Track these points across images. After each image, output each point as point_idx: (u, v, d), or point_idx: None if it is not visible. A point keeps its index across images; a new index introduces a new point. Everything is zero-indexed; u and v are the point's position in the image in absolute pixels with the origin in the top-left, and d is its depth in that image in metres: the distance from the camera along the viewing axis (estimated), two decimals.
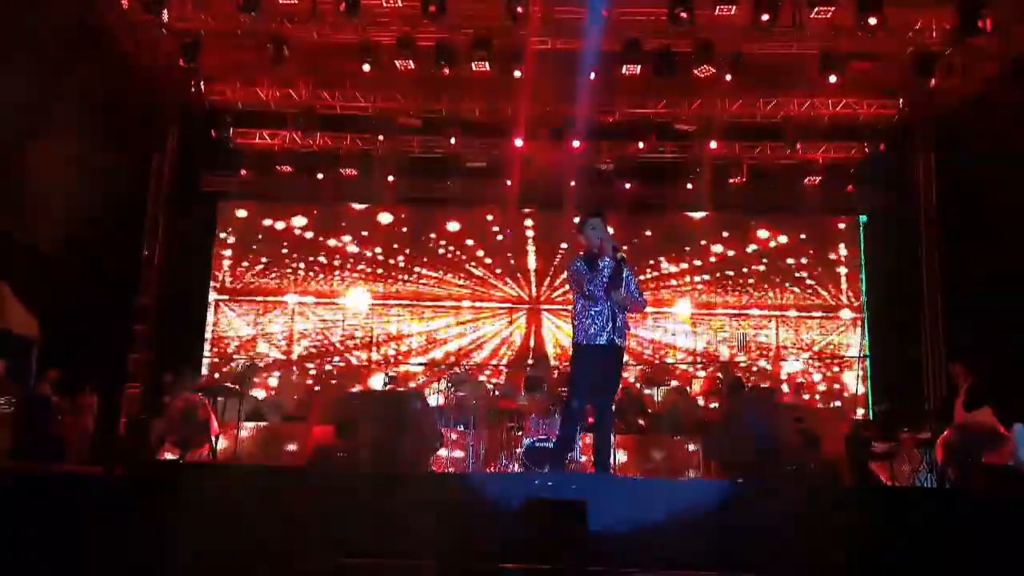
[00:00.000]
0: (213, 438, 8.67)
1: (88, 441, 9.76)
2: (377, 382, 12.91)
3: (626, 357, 6.27)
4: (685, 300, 13.62)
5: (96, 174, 9.37)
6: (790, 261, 13.74)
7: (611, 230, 5.72)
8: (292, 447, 9.97)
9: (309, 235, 13.90)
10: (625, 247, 5.65)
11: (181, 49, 10.65)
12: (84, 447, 9.56)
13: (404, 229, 13.95)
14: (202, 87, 12.26)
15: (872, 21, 9.48)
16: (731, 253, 13.80)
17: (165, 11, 9.95)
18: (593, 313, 5.54)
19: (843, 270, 13.70)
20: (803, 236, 13.80)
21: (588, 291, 5.50)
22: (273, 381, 13.35)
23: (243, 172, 13.13)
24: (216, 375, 12.85)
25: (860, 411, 12.48)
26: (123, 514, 4.87)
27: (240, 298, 13.72)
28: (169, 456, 8.50)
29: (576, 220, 5.89)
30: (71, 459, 8.88)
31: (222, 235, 13.80)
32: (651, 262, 13.67)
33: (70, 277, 10.13)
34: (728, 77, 10.63)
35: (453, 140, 12.60)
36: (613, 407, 6.26)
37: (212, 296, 13.60)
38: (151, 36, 10.80)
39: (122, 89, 10.27)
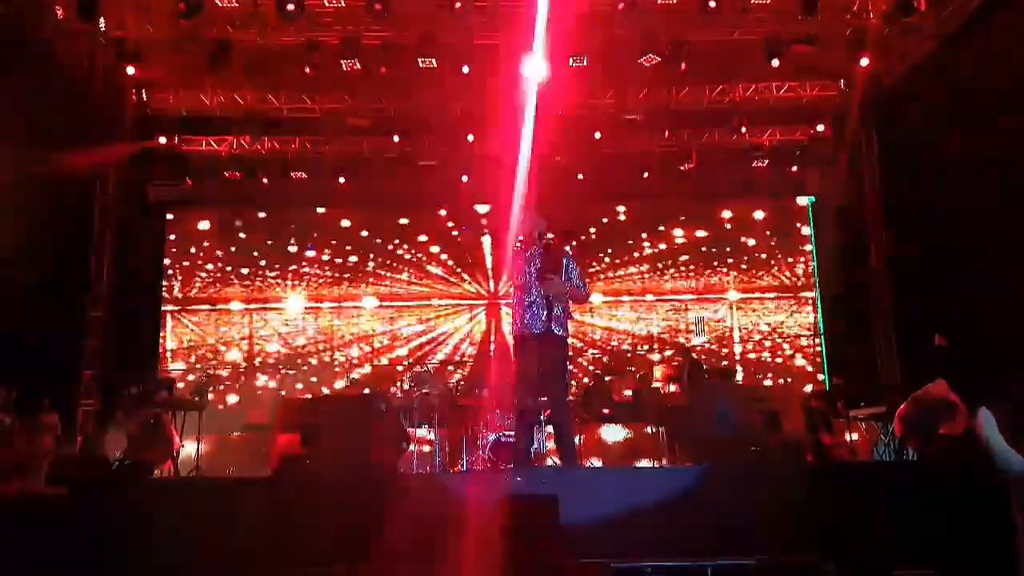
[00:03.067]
0: (175, 453, 8.52)
1: (48, 461, 9.48)
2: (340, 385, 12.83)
3: (575, 345, 6.27)
4: (638, 287, 13.74)
5: (40, 189, 9.13)
6: (741, 244, 13.92)
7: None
8: (255, 457, 9.87)
9: (261, 240, 13.74)
10: (574, 240, 5.70)
11: (120, 58, 10.43)
12: (43, 467, 9.28)
13: (359, 230, 13.85)
14: (144, 95, 12.02)
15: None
16: (682, 239, 13.93)
17: (102, 20, 9.72)
18: (527, 303, 5.57)
19: (794, 251, 13.93)
20: (753, 219, 13.99)
21: (520, 281, 5.55)
22: (233, 391, 13.15)
23: (189, 181, 12.90)
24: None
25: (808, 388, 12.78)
26: (88, 533, 4.79)
27: (194, 308, 13.50)
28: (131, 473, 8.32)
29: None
30: (33, 480, 8.62)
31: (172, 246, 13.57)
32: (599, 254, 13.64)
33: (18, 294, 9.83)
34: (683, 66, 10.62)
35: (396, 138, 12.49)
36: (567, 399, 6.29)
37: (165, 307, 13.36)
38: (89, 45, 10.54)
39: (62, 101, 9.98)
